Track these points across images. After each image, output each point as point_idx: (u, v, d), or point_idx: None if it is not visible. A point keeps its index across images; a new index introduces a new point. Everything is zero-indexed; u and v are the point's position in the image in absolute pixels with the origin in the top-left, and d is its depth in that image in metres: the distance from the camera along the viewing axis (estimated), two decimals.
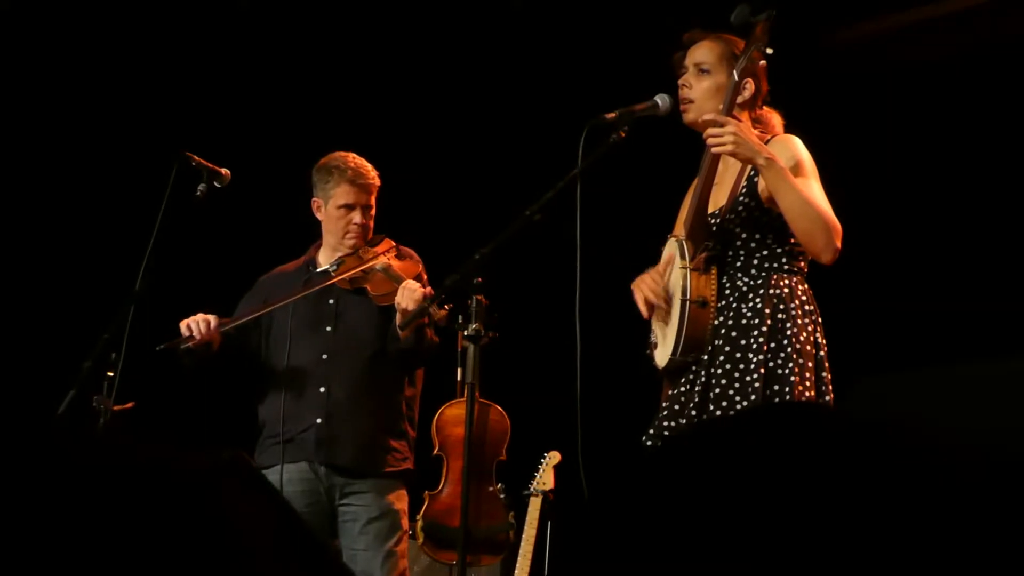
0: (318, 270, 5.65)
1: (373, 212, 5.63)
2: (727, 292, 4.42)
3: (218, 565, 1.66)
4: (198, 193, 5.24)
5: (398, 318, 5.31)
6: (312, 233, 7.65)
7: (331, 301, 5.54)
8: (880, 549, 1.59)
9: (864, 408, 2.03)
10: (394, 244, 5.57)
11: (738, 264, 4.44)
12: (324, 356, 5.45)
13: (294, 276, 5.74)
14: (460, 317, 4.88)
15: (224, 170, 5.29)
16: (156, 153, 5.71)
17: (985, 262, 6.47)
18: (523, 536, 6.00)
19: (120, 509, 1.68)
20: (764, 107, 4.60)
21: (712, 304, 4.38)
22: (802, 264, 4.46)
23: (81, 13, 7.50)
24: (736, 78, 4.42)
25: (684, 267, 4.38)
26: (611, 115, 4.60)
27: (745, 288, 4.40)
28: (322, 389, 5.42)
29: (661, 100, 4.58)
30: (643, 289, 4.53)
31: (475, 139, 5.61)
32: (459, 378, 4.88)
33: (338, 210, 5.62)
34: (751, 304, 4.37)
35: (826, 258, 4.31)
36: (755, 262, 4.42)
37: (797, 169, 4.37)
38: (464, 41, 7.78)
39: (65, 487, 1.68)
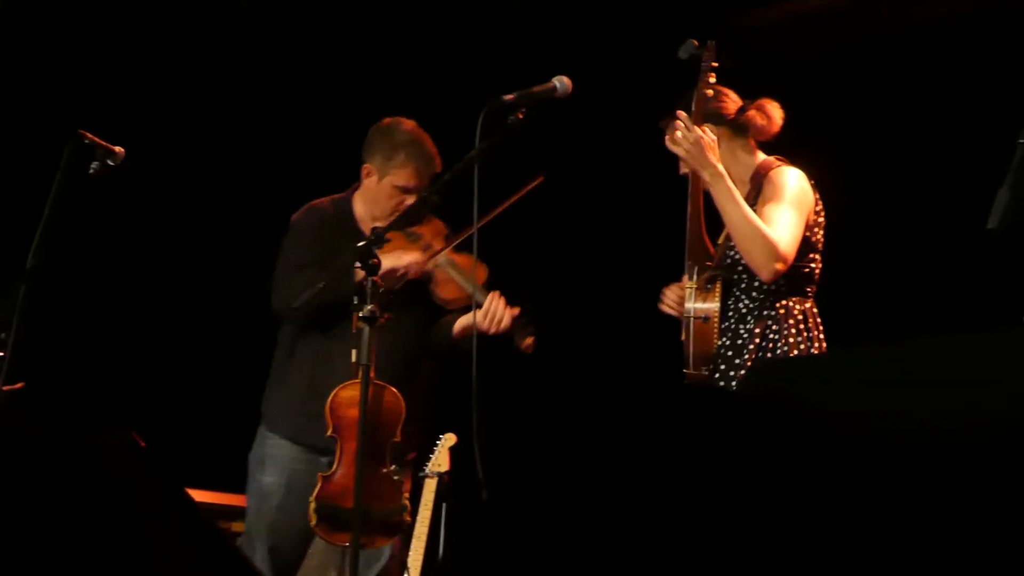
0: (360, 242, 4.97)
1: None
2: (730, 314, 4.75)
3: (109, 543, 1.65)
4: (91, 171, 5.17)
5: (461, 327, 5.20)
6: (206, 210, 7.60)
7: None
8: (772, 526, 1.61)
9: (757, 390, 2.06)
10: (403, 220, 5.11)
11: (742, 286, 4.74)
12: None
13: (336, 227, 5.38)
14: (356, 299, 4.84)
15: (118, 148, 5.22)
16: (49, 130, 5.64)
17: (910, 247, 6.54)
18: (418, 518, 6.00)
19: (9, 488, 1.66)
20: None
21: (714, 319, 4.71)
22: (805, 286, 4.76)
23: None
24: (693, 107, 4.78)
25: (689, 287, 4.74)
26: (509, 97, 4.67)
27: (744, 310, 4.72)
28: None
29: (559, 82, 4.74)
30: (666, 302, 4.90)
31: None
32: (353, 360, 4.84)
33: (394, 189, 5.32)
34: (748, 326, 4.69)
35: (764, 276, 4.62)
36: (756, 284, 4.70)
37: (773, 193, 4.71)
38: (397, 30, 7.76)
39: None
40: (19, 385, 5.26)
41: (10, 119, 7.45)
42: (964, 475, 1.76)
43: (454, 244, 5.22)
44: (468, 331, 5.17)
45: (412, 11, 7.68)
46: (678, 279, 4.89)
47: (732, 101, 4.89)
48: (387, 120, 5.44)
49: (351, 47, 7.79)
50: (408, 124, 5.40)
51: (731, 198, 4.59)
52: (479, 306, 5.06)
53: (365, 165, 5.42)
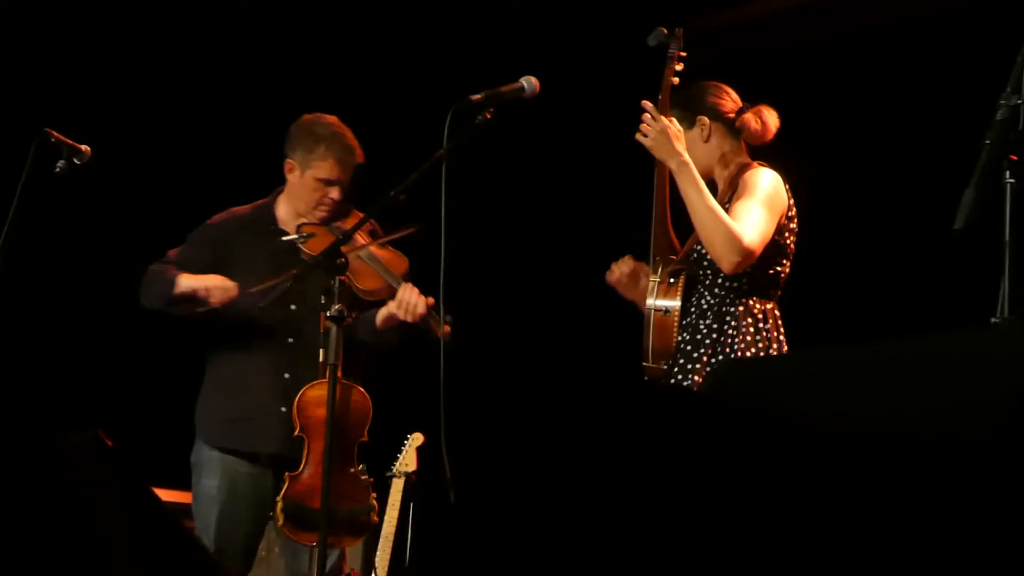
0: (283, 236, 5.24)
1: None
2: (692, 310, 4.75)
3: (74, 542, 1.64)
4: (57, 170, 5.16)
5: (383, 317, 5.15)
6: (171, 210, 7.57)
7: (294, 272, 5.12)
8: (742, 528, 1.61)
9: (719, 390, 2.06)
10: (367, 219, 5.12)
11: (706, 283, 4.73)
12: (290, 339, 5.17)
13: (253, 229, 5.37)
14: (323, 298, 4.85)
15: (84, 147, 5.21)
16: (14, 129, 5.61)
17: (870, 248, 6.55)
18: (385, 518, 6.00)
19: None
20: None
21: (674, 312, 4.72)
22: (769, 288, 4.75)
23: None
24: (660, 96, 4.79)
25: (653, 281, 4.74)
26: (477, 96, 4.68)
27: (705, 306, 4.72)
28: (287, 375, 5.15)
29: (527, 83, 4.77)
30: (614, 265, 4.95)
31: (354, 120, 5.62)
32: (321, 359, 4.84)
33: (316, 182, 5.27)
34: (707, 322, 4.69)
35: (725, 267, 4.61)
36: (719, 281, 4.70)
37: (744, 190, 4.69)
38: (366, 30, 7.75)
39: None
40: None
41: None
42: (931, 473, 1.77)
43: (381, 243, 5.21)
44: (390, 322, 5.16)
45: (381, 12, 7.68)
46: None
47: (732, 100, 4.89)
48: (307, 116, 5.42)
49: (320, 46, 7.79)
50: (328, 118, 5.38)
51: (696, 188, 4.58)
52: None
53: (287, 160, 5.37)
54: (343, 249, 5.01)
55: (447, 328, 4.99)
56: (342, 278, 4.92)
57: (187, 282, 5.19)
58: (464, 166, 4.81)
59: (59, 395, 7.07)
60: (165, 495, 6.10)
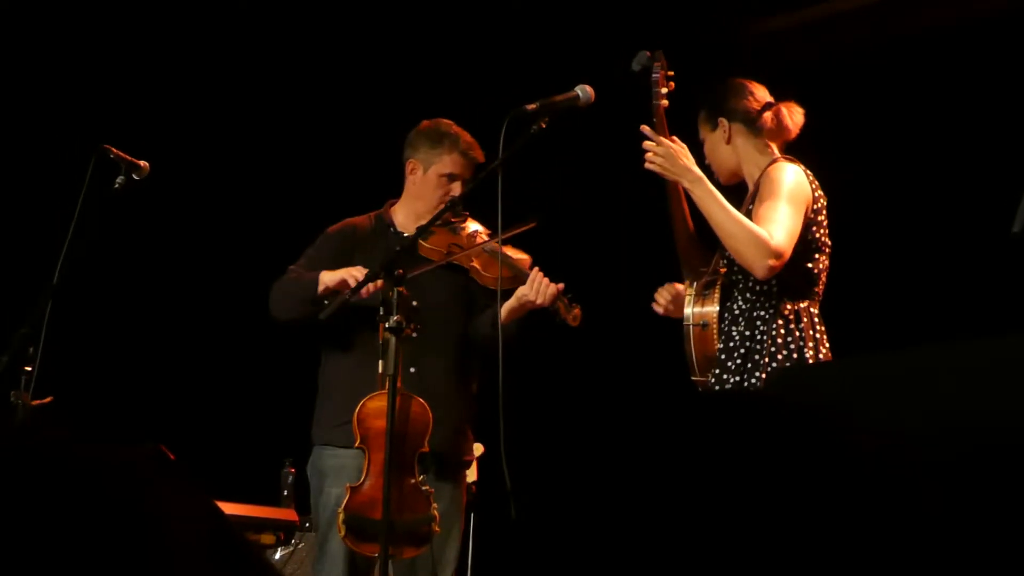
0: (404, 235, 5.32)
1: None
2: (725, 316, 4.71)
3: (141, 559, 1.65)
4: (116, 186, 5.20)
5: (509, 308, 5.17)
6: (230, 225, 7.62)
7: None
8: (799, 534, 1.61)
9: (780, 395, 2.06)
10: (430, 226, 5.15)
11: (739, 287, 4.70)
12: (414, 334, 5.10)
13: (372, 234, 5.41)
14: (381, 309, 4.84)
15: (143, 163, 5.24)
16: (73, 145, 5.66)
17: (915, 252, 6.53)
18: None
19: (39, 503, 1.67)
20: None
21: (713, 324, 4.69)
22: (804, 287, 4.68)
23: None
24: (655, 120, 4.75)
25: (688, 294, 4.75)
26: (532, 106, 4.69)
27: (737, 312, 4.68)
28: (412, 369, 5.17)
29: (582, 91, 4.75)
30: (659, 302, 4.93)
31: (398, 130, 5.60)
32: (380, 370, 4.85)
33: (440, 178, 5.34)
34: (738, 328, 4.65)
35: (758, 273, 4.55)
36: (751, 285, 4.65)
37: (769, 191, 4.62)
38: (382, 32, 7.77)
39: None
40: (47, 399, 5.27)
41: (35, 134, 7.48)
42: (993, 479, 1.76)
43: (501, 238, 5.20)
44: (516, 313, 5.18)
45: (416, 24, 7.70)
46: None
47: (756, 100, 4.83)
48: (426, 121, 5.50)
49: (376, 63, 7.82)
50: (443, 119, 5.47)
51: (714, 199, 4.54)
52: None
53: (409, 162, 5.45)
54: (467, 248, 5.17)
55: (577, 311, 5.04)
56: (467, 268, 5.13)
57: (330, 276, 5.17)
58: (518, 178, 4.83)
59: (120, 409, 7.12)
60: (228, 508, 6.13)
